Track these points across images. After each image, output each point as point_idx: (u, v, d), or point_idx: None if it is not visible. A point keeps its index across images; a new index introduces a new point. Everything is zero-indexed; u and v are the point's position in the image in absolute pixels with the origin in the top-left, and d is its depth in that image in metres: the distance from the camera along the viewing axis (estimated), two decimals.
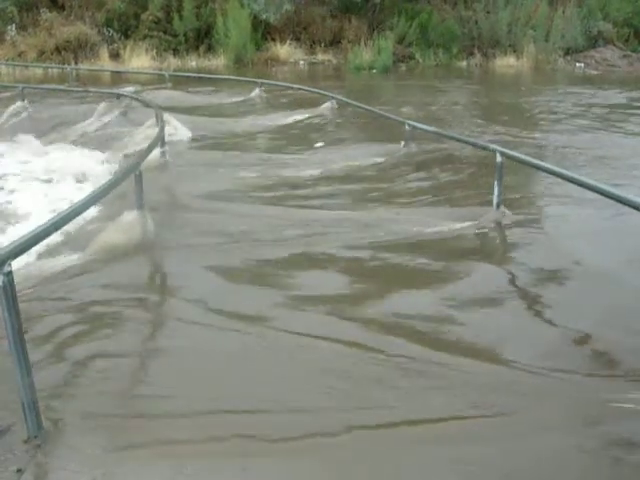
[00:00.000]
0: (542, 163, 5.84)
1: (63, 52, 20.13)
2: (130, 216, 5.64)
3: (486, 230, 5.83)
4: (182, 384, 3.47)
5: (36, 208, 7.02)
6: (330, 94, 12.75)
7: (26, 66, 18.98)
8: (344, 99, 12.22)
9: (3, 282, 2.83)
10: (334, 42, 22.23)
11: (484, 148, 6.64)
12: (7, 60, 19.00)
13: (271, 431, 3.04)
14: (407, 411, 3.18)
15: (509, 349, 3.81)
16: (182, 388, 3.42)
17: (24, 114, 12.63)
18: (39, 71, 19.19)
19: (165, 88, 15.42)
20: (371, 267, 5.08)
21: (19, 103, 13.09)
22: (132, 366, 3.77)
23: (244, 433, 3.03)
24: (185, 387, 3.43)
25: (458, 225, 5.82)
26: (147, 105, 11.53)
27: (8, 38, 20.51)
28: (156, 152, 7.83)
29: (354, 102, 11.73)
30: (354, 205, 6.65)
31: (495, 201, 6.01)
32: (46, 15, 21.01)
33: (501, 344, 3.87)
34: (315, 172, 7.93)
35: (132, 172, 5.65)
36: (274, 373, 3.54)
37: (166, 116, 9.93)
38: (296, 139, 10.31)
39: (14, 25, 20.81)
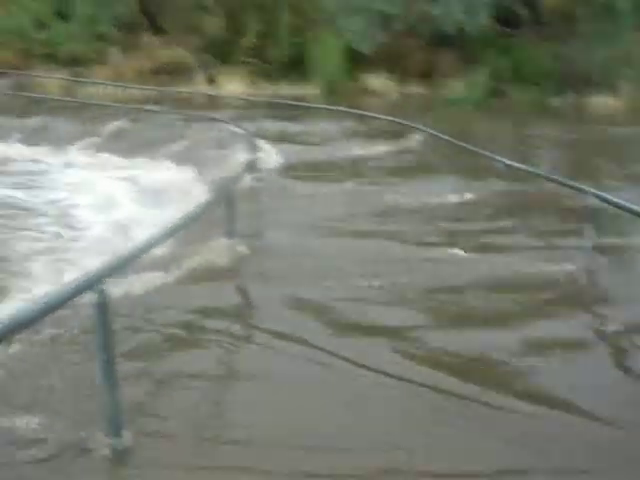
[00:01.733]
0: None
1: (161, 75, 20.68)
2: (220, 241, 5.72)
3: (576, 274, 5.68)
4: (254, 411, 3.52)
5: (128, 225, 7.20)
6: (421, 127, 12.69)
7: (126, 87, 19.53)
8: (434, 132, 12.13)
9: (97, 300, 2.93)
10: (426, 74, 22.19)
11: (578, 190, 6.43)
12: (108, 81, 19.61)
13: (324, 469, 3.04)
14: (462, 458, 3.11)
15: (585, 398, 3.67)
16: (253, 415, 3.47)
17: (122, 133, 13.02)
18: (138, 92, 19.71)
19: (258, 114, 15.64)
20: (451, 306, 5.04)
21: (117, 122, 13.51)
22: (210, 389, 3.86)
23: (304, 470, 3.05)
24: (256, 415, 3.48)
25: (548, 268, 5.68)
26: (240, 130, 11.71)
27: (110, 60, 21.21)
28: (247, 178, 7.94)
29: (444, 136, 11.62)
30: (440, 241, 6.59)
31: (588, 245, 5.86)
32: (146, 39, 21.65)
33: (576, 392, 3.73)
34: (402, 205, 7.88)
35: (224, 197, 5.74)
36: (338, 410, 3.55)
37: (258, 142, 10.06)
38: (385, 170, 10.29)
39: (116, 48, 21.51)
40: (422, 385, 3.80)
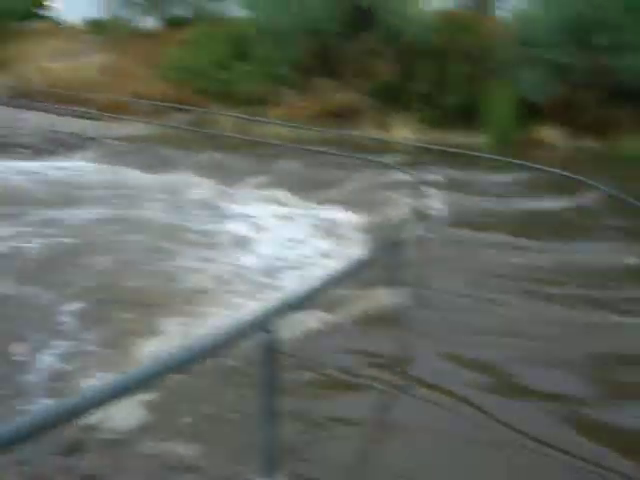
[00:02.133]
0: None
1: (332, 117, 21.12)
2: (384, 288, 5.72)
3: None
4: (406, 465, 3.51)
5: (294, 263, 7.33)
6: (596, 184, 12.15)
7: (299, 127, 20.07)
8: (611, 190, 11.55)
9: (265, 339, 2.97)
10: (601, 129, 21.40)
11: None
12: (281, 121, 20.27)
13: None
14: None
15: None
16: (405, 469, 3.46)
17: (291, 172, 13.34)
18: (309, 133, 20.23)
19: (426, 161, 15.55)
20: (614, 376, 4.86)
21: (287, 161, 13.89)
22: (363, 437, 3.85)
23: None
24: (407, 469, 3.48)
25: None
26: (407, 176, 11.70)
27: (284, 100, 21.95)
28: (413, 225, 7.89)
29: (622, 195, 11.02)
30: (604, 305, 6.22)
31: None
32: (320, 81, 22.25)
33: None
34: (569, 265, 7.51)
35: (390, 244, 5.74)
36: (493, 475, 3.51)
37: (425, 189, 10.00)
38: (553, 227, 9.91)
39: (290, 89, 22.23)
40: (581, 458, 3.64)
